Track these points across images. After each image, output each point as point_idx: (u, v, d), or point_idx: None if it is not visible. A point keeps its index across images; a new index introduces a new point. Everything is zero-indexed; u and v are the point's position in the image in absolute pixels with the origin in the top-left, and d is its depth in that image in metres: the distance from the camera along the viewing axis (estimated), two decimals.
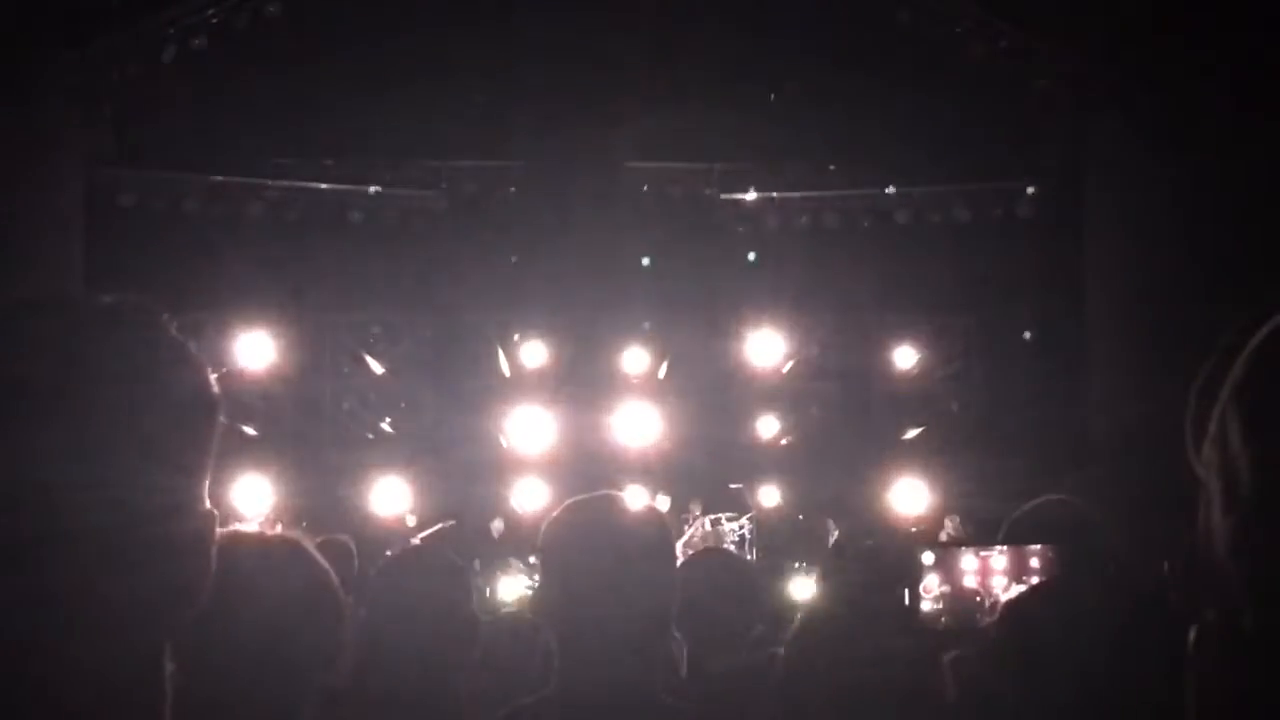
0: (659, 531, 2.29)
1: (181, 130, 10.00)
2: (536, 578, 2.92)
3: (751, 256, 10.82)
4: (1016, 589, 2.36)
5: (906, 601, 2.28)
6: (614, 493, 2.40)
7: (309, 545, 2.05)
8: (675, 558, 2.36)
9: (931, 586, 2.33)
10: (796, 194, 10.78)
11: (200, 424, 1.08)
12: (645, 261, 10.75)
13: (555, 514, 2.29)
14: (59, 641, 1.00)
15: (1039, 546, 2.46)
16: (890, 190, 10.63)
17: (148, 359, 1.07)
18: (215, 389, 1.11)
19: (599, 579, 2.17)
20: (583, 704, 2.16)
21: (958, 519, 8.91)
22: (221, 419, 1.11)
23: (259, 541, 2.04)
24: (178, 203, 10.07)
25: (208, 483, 1.09)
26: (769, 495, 10.50)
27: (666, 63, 9.71)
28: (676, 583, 2.28)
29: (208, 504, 1.08)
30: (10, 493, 0.99)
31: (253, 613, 1.81)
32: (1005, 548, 2.48)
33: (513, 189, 10.62)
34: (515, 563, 9.00)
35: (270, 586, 1.85)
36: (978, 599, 2.38)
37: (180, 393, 1.08)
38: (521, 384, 10.51)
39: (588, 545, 2.21)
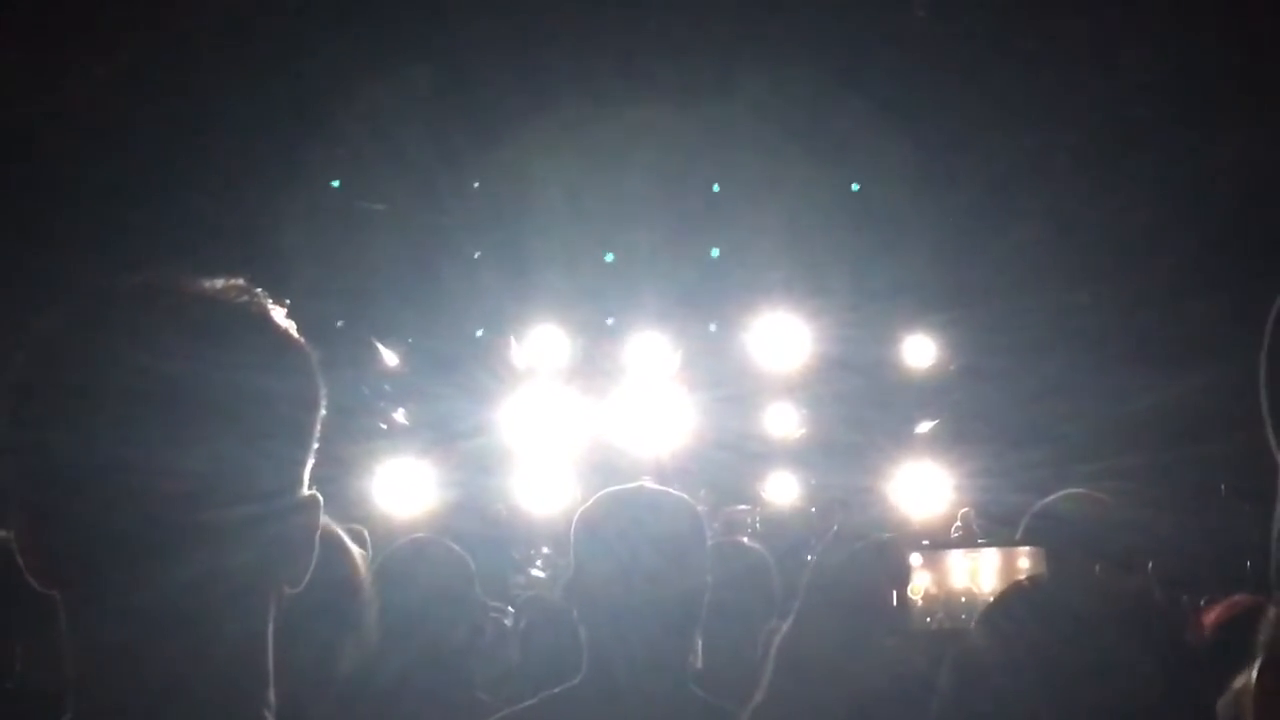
0: (691, 523, 2.29)
1: None
2: (550, 570, 2.92)
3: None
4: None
5: (895, 603, 2.27)
6: (647, 484, 2.40)
7: (343, 533, 2.05)
8: (706, 549, 2.35)
9: (921, 587, 2.31)
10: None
11: (302, 411, 1.11)
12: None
13: (589, 504, 2.29)
14: (176, 617, 1.04)
15: (1029, 548, 2.45)
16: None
17: (255, 347, 1.09)
18: (316, 375, 1.13)
19: (631, 570, 2.17)
20: (612, 694, 2.16)
21: (974, 512, 8.88)
22: (323, 405, 1.13)
23: None
24: None
25: (309, 467, 1.11)
26: (783, 488, 10.49)
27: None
28: (707, 574, 2.27)
29: (310, 489, 1.11)
30: (122, 478, 1.02)
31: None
32: (995, 549, 2.46)
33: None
34: (532, 553, 9.01)
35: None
36: (966, 600, 2.37)
37: (283, 381, 1.10)
38: (534, 376, 10.51)
39: (616, 535, 2.21)
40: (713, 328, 10.79)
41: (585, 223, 10.40)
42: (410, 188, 10.52)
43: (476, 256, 10.70)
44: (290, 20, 8.87)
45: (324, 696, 1.92)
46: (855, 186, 10.90)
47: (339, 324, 10.62)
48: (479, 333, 10.79)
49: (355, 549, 2.07)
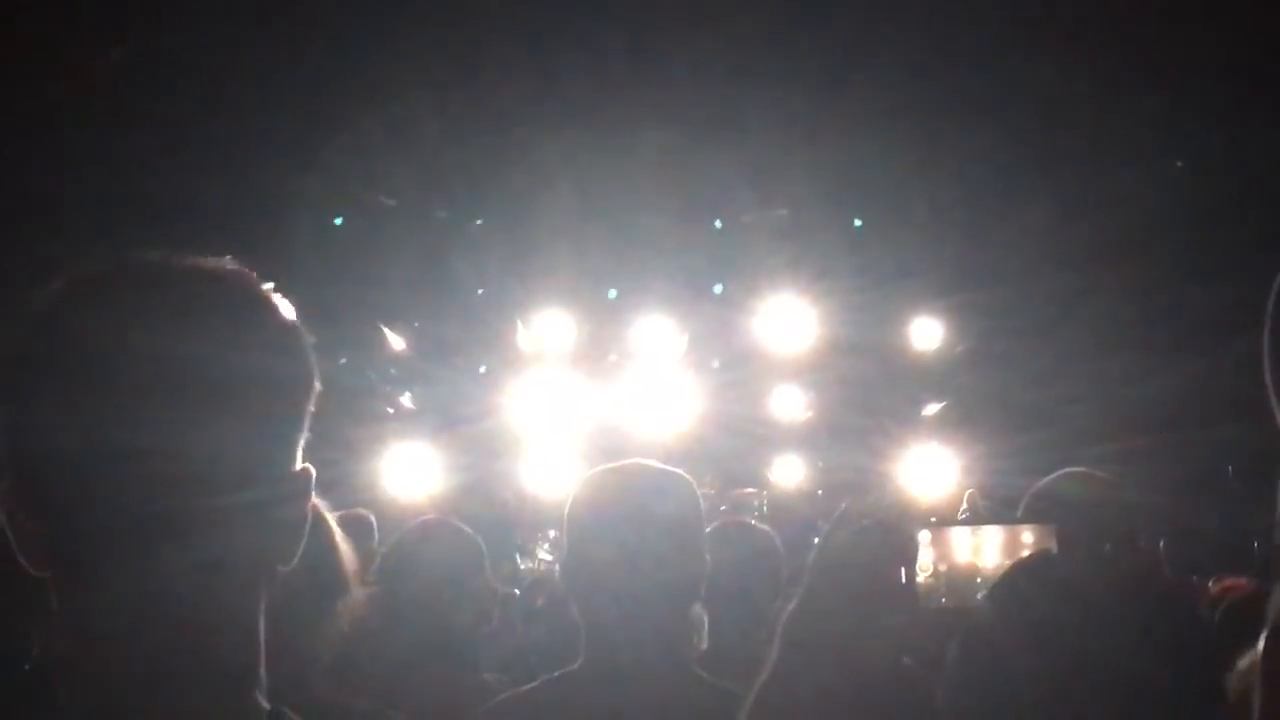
0: (688, 501, 2.25)
1: None
2: (556, 552, 2.90)
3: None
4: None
5: (902, 582, 2.25)
6: (643, 461, 2.36)
7: (326, 513, 2.04)
8: (704, 528, 2.33)
9: (927, 565, 2.30)
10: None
11: (298, 391, 1.10)
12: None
13: (585, 483, 2.25)
14: (168, 599, 1.03)
15: (1039, 525, 2.44)
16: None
17: (250, 327, 1.08)
18: (310, 354, 1.12)
19: (625, 550, 2.14)
20: (610, 678, 2.13)
21: (979, 494, 8.88)
22: (316, 384, 1.12)
23: None
24: None
25: (302, 444, 1.10)
26: (790, 471, 10.48)
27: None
28: (705, 554, 2.24)
29: (302, 464, 1.10)
30: (116, 460, 1.00)
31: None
32: (1004, 526, 2.45)
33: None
34: (539, 536, 9.02)
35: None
36: (974, 577, 2.36)
37: (279, 360, 1.09)
38: (540, 359, 10.50)
39: (614, 515, 2.17)
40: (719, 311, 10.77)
41: (591, 206, 10.37)
42: (419, 175, 10.51)
43: (493, 267, 10.69)
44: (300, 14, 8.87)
45: (314, 670, 1.92)
46: (858, 223, 10.91)
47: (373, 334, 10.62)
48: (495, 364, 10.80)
49: (331, 520, 2.05)
